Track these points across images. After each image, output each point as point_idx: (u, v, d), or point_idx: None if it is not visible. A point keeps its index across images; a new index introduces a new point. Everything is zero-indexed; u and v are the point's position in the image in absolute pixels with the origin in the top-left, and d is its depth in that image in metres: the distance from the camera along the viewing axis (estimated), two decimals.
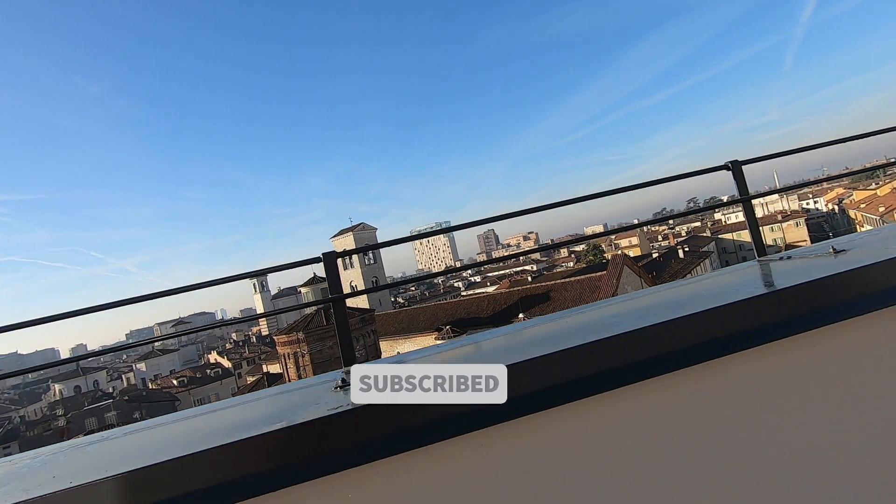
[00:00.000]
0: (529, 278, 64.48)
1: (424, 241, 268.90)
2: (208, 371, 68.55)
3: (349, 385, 1.24)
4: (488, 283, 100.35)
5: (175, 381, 64.56)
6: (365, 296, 58.53)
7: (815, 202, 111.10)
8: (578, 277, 35.36)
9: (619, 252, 37.83)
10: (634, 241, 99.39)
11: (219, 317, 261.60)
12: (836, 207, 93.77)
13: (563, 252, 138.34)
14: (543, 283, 36.91)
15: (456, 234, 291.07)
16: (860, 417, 1.30)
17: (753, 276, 1.61)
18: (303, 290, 35.55)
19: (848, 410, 1.30)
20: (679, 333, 1.26)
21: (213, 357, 78.55)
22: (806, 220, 79.35)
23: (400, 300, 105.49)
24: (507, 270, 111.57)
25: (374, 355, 34.21)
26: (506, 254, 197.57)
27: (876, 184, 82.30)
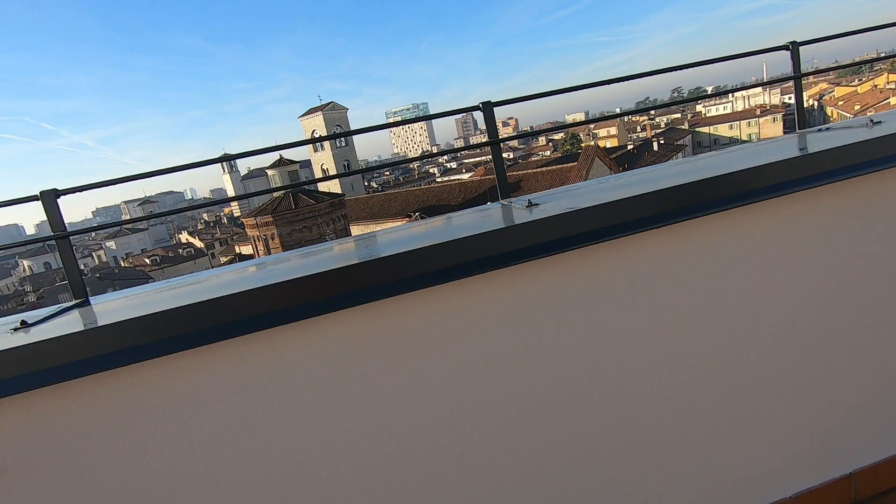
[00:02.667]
0: (504, 166, 63.87)
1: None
2: (181, 251, 68.68)
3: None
4: (463, 170, 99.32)
5: (147, 260, 64.77)
6: (337, 182, 57.44)
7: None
8: (549, 168, 35.24)
9: (592, 143, 37.37)
10: (613, 131, 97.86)
11: (188, 196, 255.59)
12: (816, 103, 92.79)
13: (542, 140, 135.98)
14: (515, 172, 36.74)
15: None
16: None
17: (794, 144, 1.75)
18: (270, 172, 34.54)
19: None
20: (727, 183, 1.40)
21: (185, 237, 78.20)
22: (784, 115, 78.73)
23: (374, 185, 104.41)
24: (483, 157, 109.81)
25: (343, 237, 34.58)
26: (483, 139, 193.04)
27: (860, 80, 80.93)
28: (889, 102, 46.74)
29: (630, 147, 53.26)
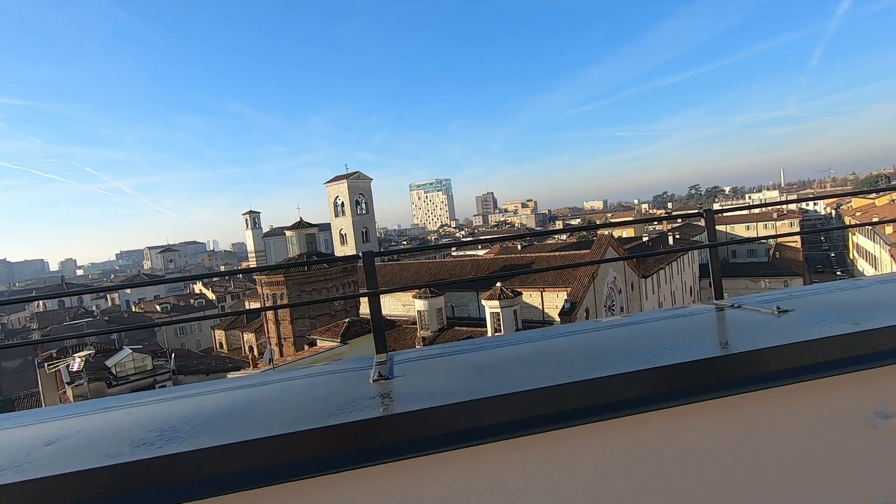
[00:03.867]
0: (519, 246, 64.61)
1: (422, 196, 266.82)
2: (192, 301, 69.21)
3: (388, 378, 1.44)
4: (479, 246, 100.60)
5: (158, 307, 65.23)
6: (353, 247, 58.54)
7: (815, 204, 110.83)
8: (561, 253, 35.44)
9: (607, 233, 37.77)
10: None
11: (210, 248, 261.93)
12: (834, 212, 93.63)
13: (559, 223, 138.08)
14: (528, 255, 37.00)
15: (455, 193, 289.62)
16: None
17: (703, 329, 1.67)
18: (288, 233, 35.41)
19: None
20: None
21: (199, 287, 79.09)
22: (801, 220, 79.45)
23: None
24: (500, 235, 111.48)
25: (352, 306, 34.58)
26: (501, 219, 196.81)
27: (876, 193, 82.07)
28: None
29: (645, 238, 53.63)
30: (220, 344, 46.21)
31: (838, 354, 1.32)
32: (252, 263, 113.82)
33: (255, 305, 48.53)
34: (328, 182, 61.05)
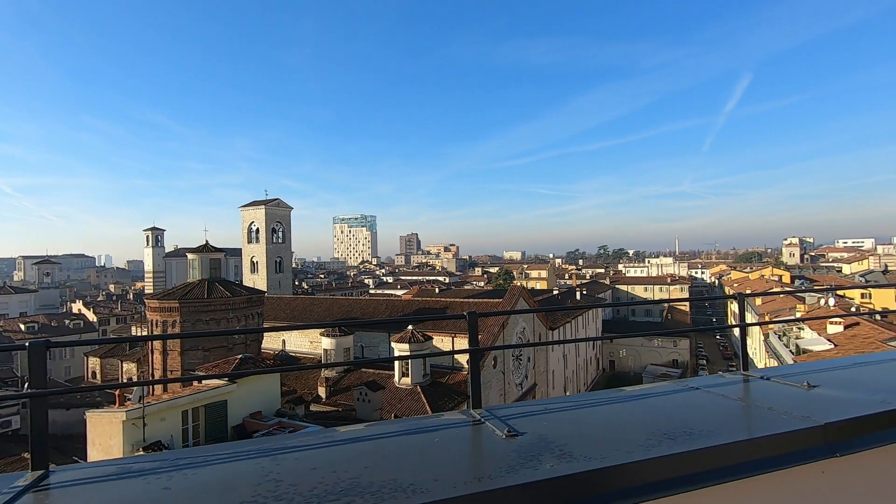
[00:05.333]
0: (437, 290, 64.98)
1: (346, 230, 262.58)
2: (67, 322, 61.09)
3: (518, 434, 1.47)
4: (398, 287, 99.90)
5: (23, 326, 56.74)
6: (264, 277, 55.57)
7: (702, 273, 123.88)
8: (475, 300, 36.04)
9: (518, 284, 39.11)
10: (544, 273, 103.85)
11: (100, 262, 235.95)
12: (717, 281, 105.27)
13: (478, 270, 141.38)
14: (443, 298, 37.20)
15: (380, 230, 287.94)
16: None
17: (732, 402, 1.79)
18: (190, 256, 32.81)
19: None
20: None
21: (78, 307, 70.23)
22: (691, 286, 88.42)
23: (305, 286, 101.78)
24: (420, 277, 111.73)
25: (253, 338, 32.30)
26: (424, 260, 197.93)
27: (751, 268, 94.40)
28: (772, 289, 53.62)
29: (556, 292, 56.29)
30: (94, 373, 40.79)
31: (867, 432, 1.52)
32: (148, 284, 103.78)
33: (144, 332, 43.86)
34: (244, 206, 58.12)
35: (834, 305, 36.89)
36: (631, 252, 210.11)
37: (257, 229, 56.77)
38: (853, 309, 36.11)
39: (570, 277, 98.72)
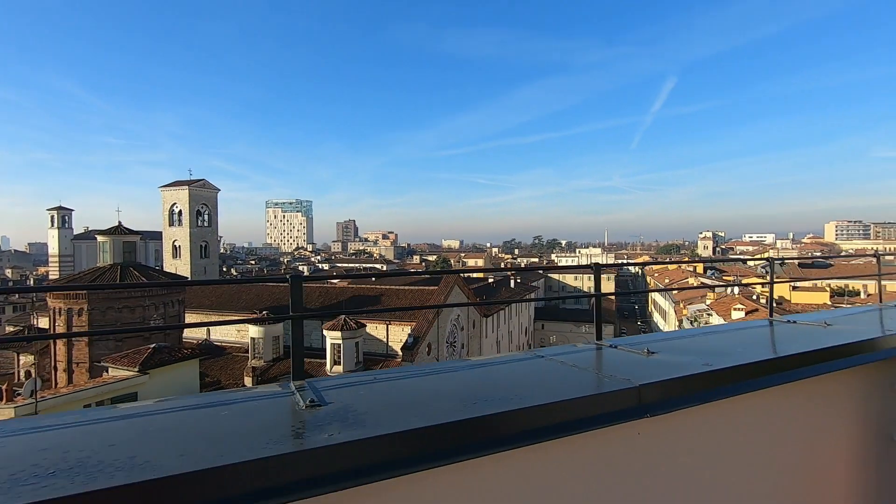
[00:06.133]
0: (374, 278, 64.21)
1: (280, 215, 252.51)
2: None
3: (321, 405, 1.42)
4: (334, 272, 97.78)
5: None
6: (188, 262, 52.32)
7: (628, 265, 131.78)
8: (411, 287, 36.03)
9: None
10: (480, 262, 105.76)
11: None
12: (640, 271, 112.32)
13: (416, 258, 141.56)
14: (379, 286, 36.82)
15: (316, 216, 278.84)
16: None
17: (567, 368, 1.84)
18: (100, 238, 30.13)
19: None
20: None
21: None
22: (617, 275, 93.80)
23: (234, 272, 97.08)
24: (356, 265, 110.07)
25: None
26: (361, 247, 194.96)
27: (670, 259, 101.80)
28: (687, 281, 58.11)
29: (490, 281, 57.47)
30: None
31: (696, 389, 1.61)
32: (54, 269, 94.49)
33: (43, 322, 39.99)
34: (165, 186, 54.13)
35: (738, 294, 40.74)
36: (564, 242, 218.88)
37: (180, 211, 53.16)
38: (754, 298, 39.92)
39: (506, 265, 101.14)
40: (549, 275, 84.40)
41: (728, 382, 1.67)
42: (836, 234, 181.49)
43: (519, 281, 61.21)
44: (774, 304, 2.98)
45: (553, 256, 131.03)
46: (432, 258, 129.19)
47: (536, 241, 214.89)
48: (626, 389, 1.49)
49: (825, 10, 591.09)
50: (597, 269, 2.29)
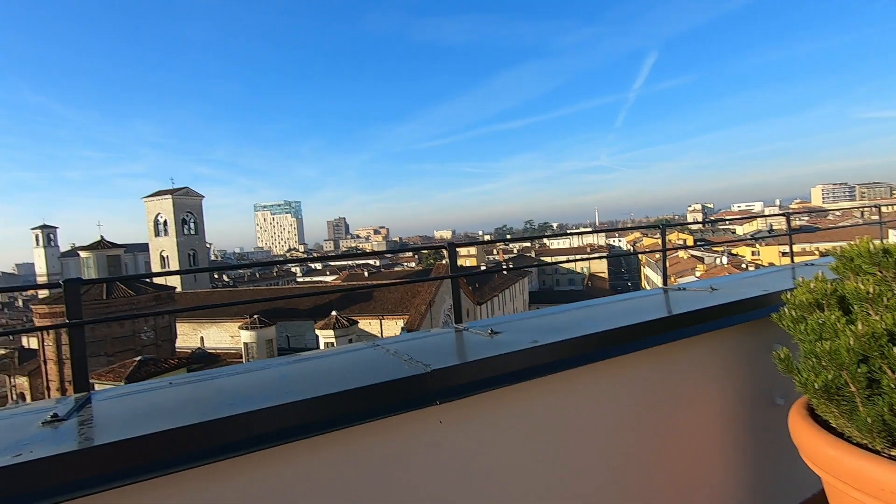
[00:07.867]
0: (366, 273, 64.19)
1: (269, 218, 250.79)
2: None
3: (63, 420, 1.21)
4: (327, 272, 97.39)
5: None
6: (176, 269, 51.77)
7: (619, 240, 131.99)
8: (402, 281, 35.93)
9: (445, 262, 39.36)
10: (473, 251, 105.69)
11: None
12: (632, 247, 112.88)
13: (409, 253, 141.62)
14: (371, 283, 36.69)
15: (305, 216, 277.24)
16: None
17: (388, 357, 1.73)
18: (83, 254, 29.74)
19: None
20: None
21: None
22: (609, 254, 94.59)
23: (226, 279, 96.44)
24: (348, 263, 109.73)
25: (165, 338, 30.13)
26: (353, 244, 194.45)
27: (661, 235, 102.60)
28: (678, 254, 58.50)
29: (483, 267, 57.52)
30: None
31: (524, 365, 1.60)
32: (43, 290, 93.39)
33: (34, 340, 39.59)
34: (147, 197, 53.47)
35: (727, 264, 40.96)
36: (555, 225, 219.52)
37: (165, 221, 52.58)
38: (743, 266, 40.19)
39: (498, 253, 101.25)
40: (542, 258, 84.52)
41: (550, 359, 1.63)
42: (823, 198, 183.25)
43: (512, 266, 61.31)
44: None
45: (545, 240, 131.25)
46: (426, 251, 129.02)
47: (528, 227, 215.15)
48: (415, 376, 1.39)
49: None
50: (451, 249, 2.26)
